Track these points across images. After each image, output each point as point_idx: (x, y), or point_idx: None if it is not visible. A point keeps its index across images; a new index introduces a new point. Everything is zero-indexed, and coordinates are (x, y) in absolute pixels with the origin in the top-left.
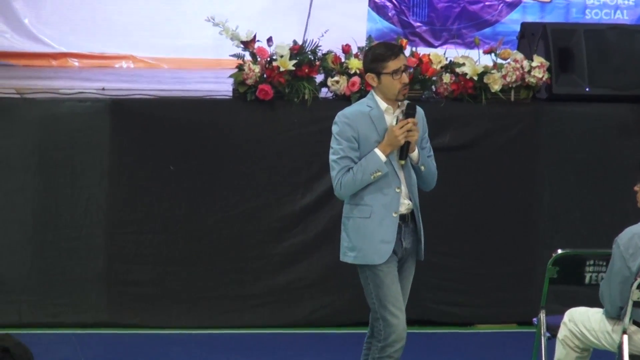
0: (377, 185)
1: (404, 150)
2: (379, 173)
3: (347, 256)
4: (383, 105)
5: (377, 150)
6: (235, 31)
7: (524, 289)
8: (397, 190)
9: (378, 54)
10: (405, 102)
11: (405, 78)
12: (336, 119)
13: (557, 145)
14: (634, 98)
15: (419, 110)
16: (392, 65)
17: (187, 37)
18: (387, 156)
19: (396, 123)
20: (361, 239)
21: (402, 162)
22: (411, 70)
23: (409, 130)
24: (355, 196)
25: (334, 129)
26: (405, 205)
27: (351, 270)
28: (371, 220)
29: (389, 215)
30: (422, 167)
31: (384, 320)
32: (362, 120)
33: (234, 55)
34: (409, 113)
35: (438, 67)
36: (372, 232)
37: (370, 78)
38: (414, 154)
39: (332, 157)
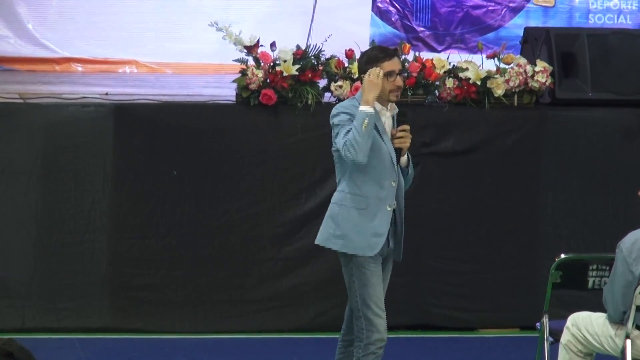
0: (375, 177)
1: (397, 157)
2: (367, 120)
3: (333, 243)
4: (377, 105)
5: (360, 107)
6: (239, 36)
7: (527, 294)
8: (393, 184)
9: (372, 55)
10: (394, 105)
11: (399, 81)
12: (334, 111)
13: (560, 149)
14: (637, 103)
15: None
16: (387, 66)
17: (190, 42)
18: (371, 104)
19: (393, 123)
20: (353, 230)
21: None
22: (406, 74)
23: (401, 137)
24: (352, 185)
25: (335, 120)
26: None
27: None
28: (366, 212)
29: (384, 208)
30: (409, 170)
31: (366, 319)
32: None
33: (237, 60)
34: (401, 120)
35: (441, 72)
36: (366, 225)
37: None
38: (403, 159)
39: (336, 139)
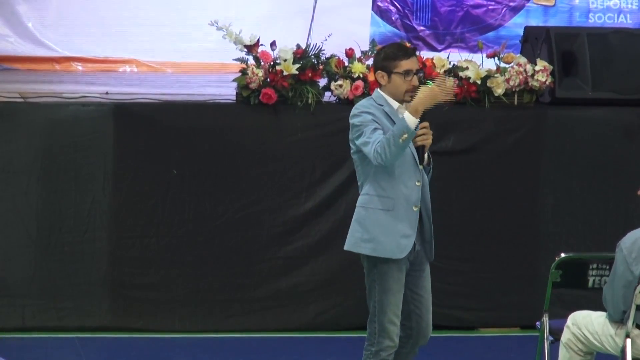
0: (399, 177)
1: (420, 155)
2: (406, 136)
3: (362, 247)
4: (394, 104)
5: (406, 113)
6: (239, 35)
7: (527, 293)
8: (417, 184)
9: (391, 53)
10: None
11: (415, 80)
12: (354, 111)
13: (560, 149)
14: (637, 102)
15: None
16: (405, 65)
17: (190, 41)
18: (417, 117)
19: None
20: (382, 232)
21: (420, 167)
22: (422, 74)
23: (423, 135)
24: (377, 187)
25: (355, 120)
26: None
27: (355, 273)
28: (394, 212)
29: (410, 209)
30: (430, 168)
31: (381, 325)
32: (379, 112)
33: (237, 59)
34: (420, 118)
35: (441, 71)
36: (394, 226)
37: (380, 76)
38: (425, 157)
39: (361, 140)
